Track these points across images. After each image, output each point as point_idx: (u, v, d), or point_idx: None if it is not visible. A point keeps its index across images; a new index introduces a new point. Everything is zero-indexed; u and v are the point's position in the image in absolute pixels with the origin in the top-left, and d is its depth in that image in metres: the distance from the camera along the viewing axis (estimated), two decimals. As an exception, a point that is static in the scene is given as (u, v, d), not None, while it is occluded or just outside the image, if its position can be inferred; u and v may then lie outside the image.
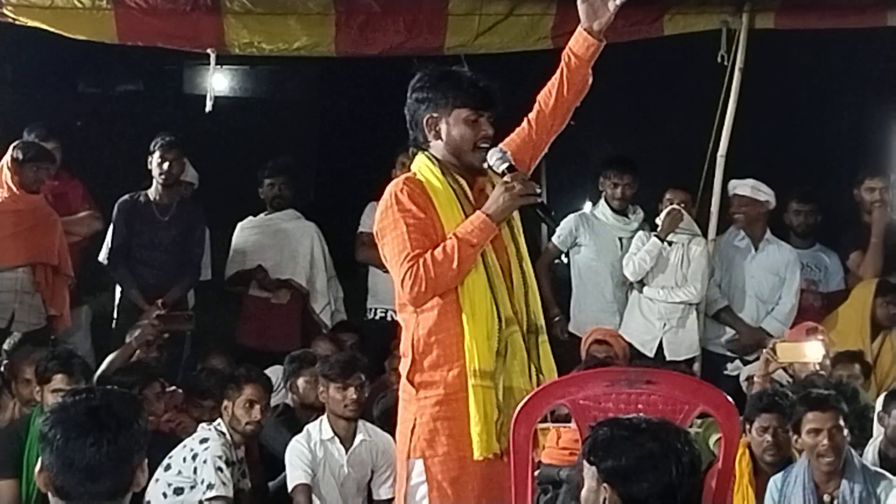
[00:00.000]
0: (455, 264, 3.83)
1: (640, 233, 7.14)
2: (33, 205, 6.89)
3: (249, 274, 7.46)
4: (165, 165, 7.19)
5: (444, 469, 3.94)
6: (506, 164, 3.92)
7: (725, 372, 6.85)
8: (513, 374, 3.94)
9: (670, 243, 7.04)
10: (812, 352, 5.73)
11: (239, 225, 7.67)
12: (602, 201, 7.43)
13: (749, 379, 6.43)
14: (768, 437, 5.28)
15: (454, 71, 4.09)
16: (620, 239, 7.32)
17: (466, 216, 3.91)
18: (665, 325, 6.97)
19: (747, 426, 5.38)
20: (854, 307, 7.06)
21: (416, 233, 3.90)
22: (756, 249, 7.27)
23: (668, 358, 6.86)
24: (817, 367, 5.90)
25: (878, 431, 5.62)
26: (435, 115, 4.00)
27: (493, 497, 3.96)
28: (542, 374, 4.00)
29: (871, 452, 5.50)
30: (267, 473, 5.76)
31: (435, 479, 3.94)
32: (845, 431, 5.05)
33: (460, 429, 3.92)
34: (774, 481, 5.11)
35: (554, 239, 7.31)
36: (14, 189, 6.82)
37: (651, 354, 6.85)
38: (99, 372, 5.88)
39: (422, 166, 4.03)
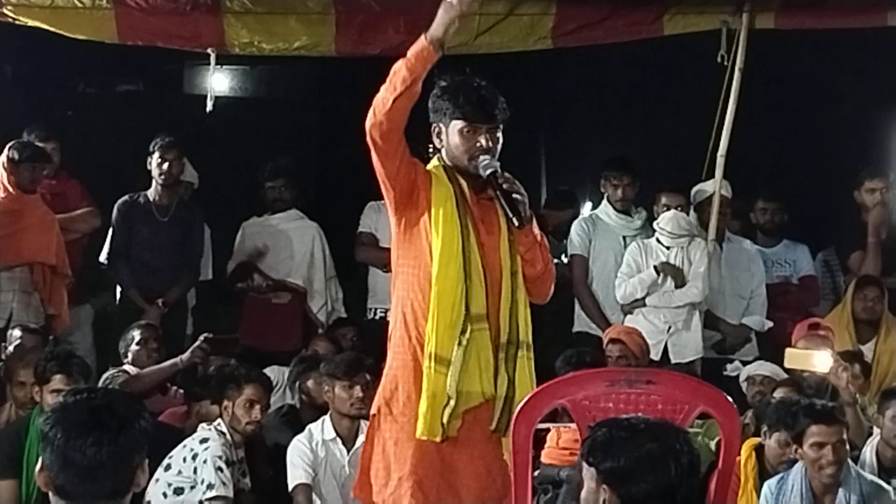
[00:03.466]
0: (394, 85, 3.94)
1: (633, 246, 7.12)
2: (30, 205, 6.90)
3: (249, 267, 7.45)
4: (165, 166, 7.20)
5: (392, 429, 4.10)
6: (490, 170, 4.05)
7: (725, 373, 6.85)
8: (471, 366, 4.04)
9: (668, 248, 7.03)
10: (820, 363, 5.66)
11: (243, 224, 7.67)
12: (605, 202, 7.45)
13: (749, 380, 6.42)
14: (790, 454, 5.20)
15: (460, 82, 4.18)
16: (625, 238, 7.35)
17: (459, 214, 4.07)
18: (670, 328, 6.96)
19: (765, 431, 5.34)
20: (839, 305, 7.08)
21: (408, 150, 4.07)
22: (722, 249, 7.30)
23: (672, 360, 6.86)
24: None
25: (875, 432, 5.61)
26: (440, 123, 4.17)
27: (430, 476, 4.05)
28: (515, 385, 4.10)
29: (868, 453, 5.48)
30: (271, 472, 5.76)
31: (382, 437, 4.12)
32: (847, 445, 5.02)
33: (415, 399, 4.07)
34: (769, 486, 5.07)
35: (573, 250, 7.28)
36: (10, 189, 6.82)
37: (657, 357, 6.83)
38: (131, 384, 5.91)
39: (432, 167, 4.20)
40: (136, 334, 6.40)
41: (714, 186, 7.17)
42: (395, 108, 3.95)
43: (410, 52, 3.98)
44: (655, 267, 6.96)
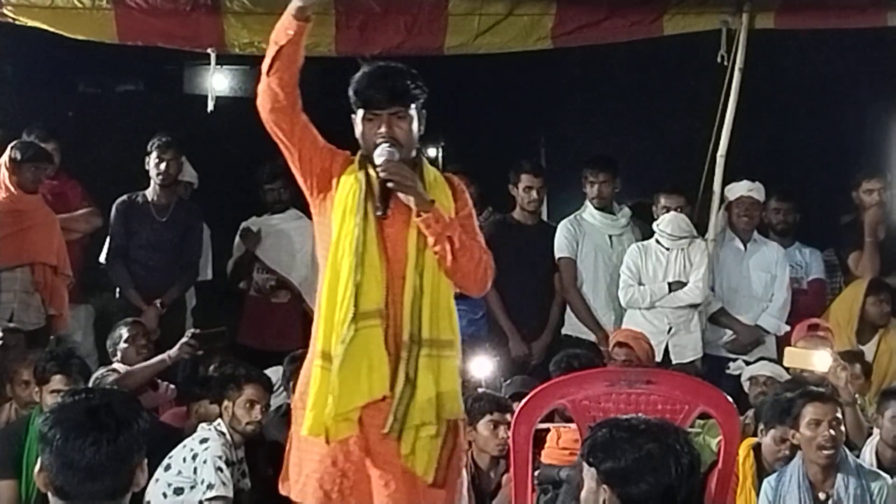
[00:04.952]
0: (265, 60, 3.88)
1: (633, 249, 7.11)
2: (32, 205, 6.89)
3: (248, 261, 7.46)
4: (162, 166, 7.20)
5: (299, 425, 3.96)
6: (382, 159, 3.87)
7: (728, 371, 6.85)
8: (358, 364, 3.84)
9: (668, 249, 7.03)
10: (819, 362, 5.66)
11: (243, 224, 7.68)
12: (587, 202, 7.43)
13: (751, 379, 6.42)
14: (786, 451, 5.24)
15: (365, 71, 4.01)
16: (610, 237, 7.34)
17: (360, 205, 3.89)
18: (671, 329, 6.96)
19: (762, 429, 5.35)
20: (845, 304, 7.09)
21: (313, 134, 3.97)
22: (746, 249, 7.29)
23: (674, 361, 6.86)
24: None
25: (875, 432, 5.61)
26: (353, 115, 4.03)
27: (332, 474, 3.90)
28: (415, 387, 3.86)
29: (867, 453, 5.49)
30: (271, 472, 5.76)
31: (297, 432, 3.98)
32: (843, 427, 5.04)
33: None
34: (769, 482, 5.10)
35: (560, 253, 7.26)
36: (12, 189, 6.82)
37: (658, 358, 6.82)
38: (121, 382, 5.91)
39: (353, 158, 4.07)
40: (124, 332, 6.40)
41: (745, 188, 7.19)
42: (269, 83, 3.87)
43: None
44: (669, 284, 6.96)
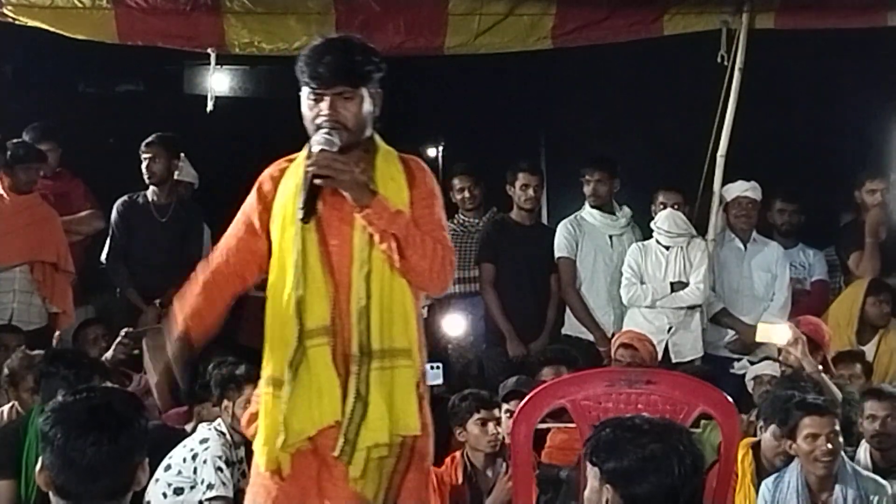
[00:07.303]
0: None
1: (634, 248, 7.11)
2: (27, 204, 6.89)
3: None
4: (146, 164, 7.21)
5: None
6: (318, 147, 3.46)
7: (732, 370, 6.86)
8: (307, 390, 3.48)
9: (668, 248, 7.03)
10: (778, 335, 5.98)
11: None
12: (586, 202, 7.43)
13: (756, 379, 6.43)
14: (786, 447, 5.24)
15: (312, 46, 3.60)
16: (610, 237, 7.33)
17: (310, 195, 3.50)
18: (671, 328, 6.96)
19: (761, 426, 5.35)
20: (845, 305, 7.11)
21: (234, 228, 3.80)
22: (746, 249, 7.28)
23: (673, 360, 6.86)
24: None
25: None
26: (300, 93, 3.64)
27: (265, 490, 3.59)
28: (367, 405, 3.47)
29: (862, 453, 5.49)
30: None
31: (255, 463, 3.68)
32: (840, 438, 5.03)
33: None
34: (766, 485, 5.09)
35: (560, 253, 7.26)
36: (6, 190, 6.81)
37: (658, 358, 6.83)
38: None
39: (293, 158, 3.74)
40: (88, 333, 6.48)
41: (741, 188, 7.21)
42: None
43: None
44: (672, 284, 6.96)
